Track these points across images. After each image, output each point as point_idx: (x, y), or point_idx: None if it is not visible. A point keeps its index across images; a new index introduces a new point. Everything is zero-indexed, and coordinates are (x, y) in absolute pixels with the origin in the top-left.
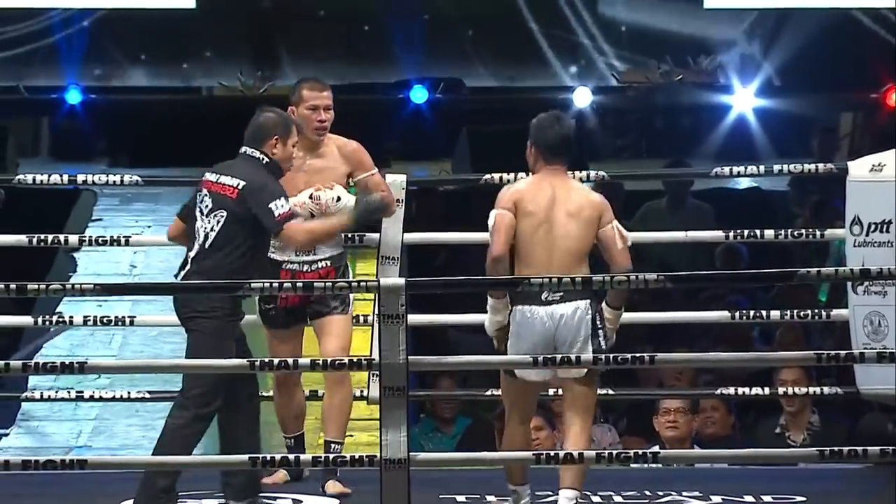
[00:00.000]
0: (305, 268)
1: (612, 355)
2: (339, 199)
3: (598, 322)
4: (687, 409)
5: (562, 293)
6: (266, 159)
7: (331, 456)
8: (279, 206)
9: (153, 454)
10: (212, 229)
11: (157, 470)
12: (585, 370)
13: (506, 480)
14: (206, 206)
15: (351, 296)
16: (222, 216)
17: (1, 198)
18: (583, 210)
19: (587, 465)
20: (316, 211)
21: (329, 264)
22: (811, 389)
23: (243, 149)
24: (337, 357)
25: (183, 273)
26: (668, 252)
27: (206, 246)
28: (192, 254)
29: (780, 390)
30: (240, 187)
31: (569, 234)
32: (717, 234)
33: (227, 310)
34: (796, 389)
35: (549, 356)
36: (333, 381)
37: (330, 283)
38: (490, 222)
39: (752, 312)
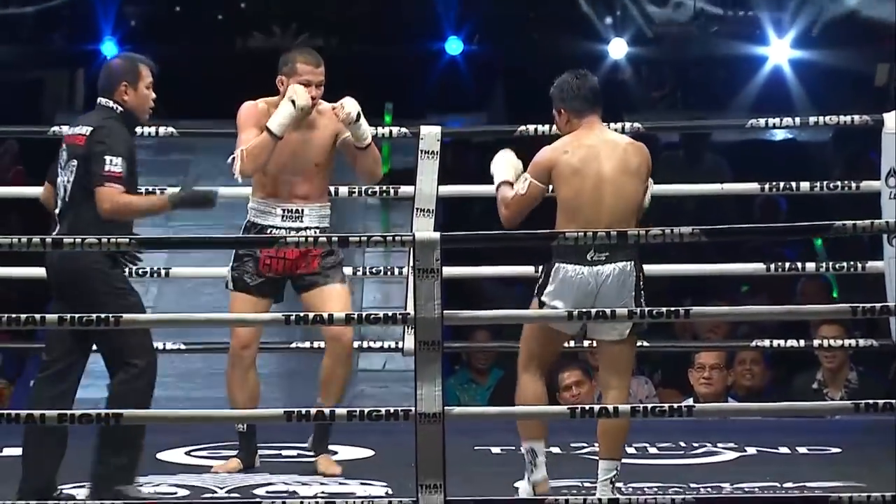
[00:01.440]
0: (292, 234)
1: (647, 309)
2: (358, 116)
3: (641, 284)
4: (722, 365)
5: (608, 253)
6: (120, 108)
7: (366, 410)
8: (113, 164)
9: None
10: (68, 181)
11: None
12: (627, 331)
13: (520, 437)
14: (63, 160)
15: (344, 269)
16: (74, 165)
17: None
18: (636, 166)
19: (624, 429)
20: (343, 121)
21: (317, 233)
22: (847, 342)
23: (98, 98)
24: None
25: (54, 234)
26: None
27: (66, 199)
28: (56, 211)
29: (816, 343)
30: (87, 133)
31: (620, 191)
32: (753, 187)
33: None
34: (832, 342)
35: (584, 310)
36: (342, 354)
37: (366, 238)
38: (521, 184)
39: (787, 265)
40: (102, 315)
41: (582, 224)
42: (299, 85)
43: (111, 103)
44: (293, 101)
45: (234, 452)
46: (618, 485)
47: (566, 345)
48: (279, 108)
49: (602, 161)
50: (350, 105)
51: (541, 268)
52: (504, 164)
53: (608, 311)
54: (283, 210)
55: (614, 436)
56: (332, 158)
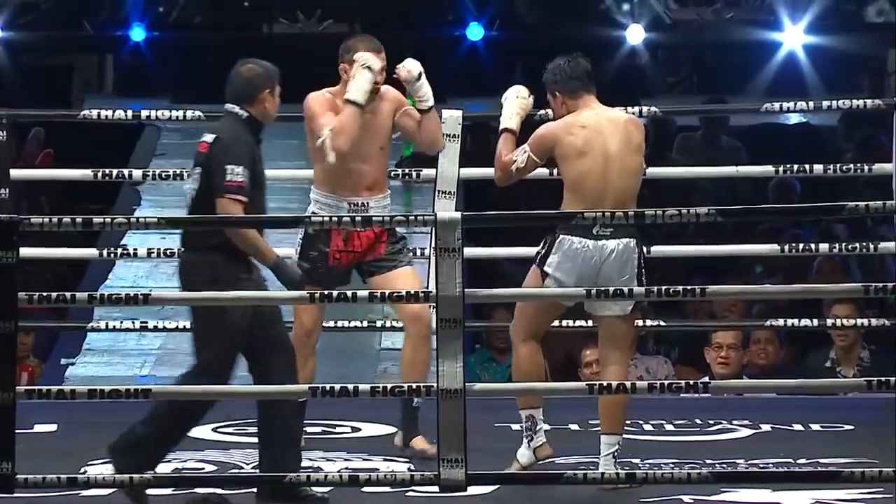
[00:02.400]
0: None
1: (663, 287)
2: (419, 76)
3: (641, 262)
4: (738, 345)
5: (613, 228)
6: (245, 114)
7: (389, 385)
8: (234, 173)
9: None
10: (193, 189)
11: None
12: (630, 308)
13: (519, 406)
14: (192, 167)
15: (410, 251)
16: (198, 173)
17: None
18: (638, 141)
19: (623, 405)
20: (405, 80)
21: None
22: (860, 321)
23: (227, 105)
24: (413, 307)
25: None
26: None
27: (190, 207)
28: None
29: (829, 322)
30: (210, 141)
31: (624, 168)
32: (768, 169)
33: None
34: (846, 322)
35: (602, 288)
36: (423, 335)
37: (388, 218)
38: (519, 155)
39: (801, 245)
40: (131, 294)
41: (589, 201)
42: (366, 52)
43: (237, 109)
44: (368, 67)
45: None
46: (619, 459)
47: (587, 323)
48: (356, 78)
49: (607, 139)
50: (412, 64)
51: (544, 239)
52: (513, 105)
53: (625, 289)
54: (350, 204)
55: (614, 411)
56: (391, 142)
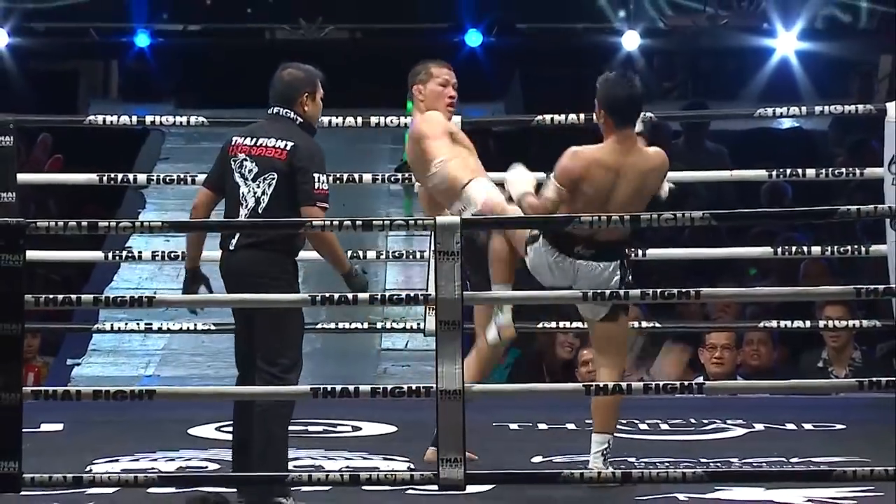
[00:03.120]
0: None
1: (658, 290)
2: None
3: (625, 282)
4: (732, 345)
5: (593, 251)
6: (300, 119)
7: (389, 386)
8: (321, 181)
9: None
10: (263, 193)
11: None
12: (602, 313)
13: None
14: (251, 171)
15: None
16: (273, 178)
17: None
18: (652, 186)
19: (614, 405)
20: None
21: None
22: (851, 322)
23: (275, 109)
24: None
25: (234, 242)
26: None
27: (259, 210)
28: (240, 220)
29: (822, 324)
30: (288, 148)
31: (627, 206)
32: (761, 173)
33: (293, 274)
34: (838, 323)
35: (599, 291)
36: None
37: (389, 222)
38: (550, 191)
39: (793, 248)
40: (136, 296)
41: (583, 234)
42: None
43: (292, 114)
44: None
45: None
46: (614, 458)
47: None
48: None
49: (620, 185)
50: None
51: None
52: (521, 177)
53: (622, 292)
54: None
55: (605, 410)
56: None
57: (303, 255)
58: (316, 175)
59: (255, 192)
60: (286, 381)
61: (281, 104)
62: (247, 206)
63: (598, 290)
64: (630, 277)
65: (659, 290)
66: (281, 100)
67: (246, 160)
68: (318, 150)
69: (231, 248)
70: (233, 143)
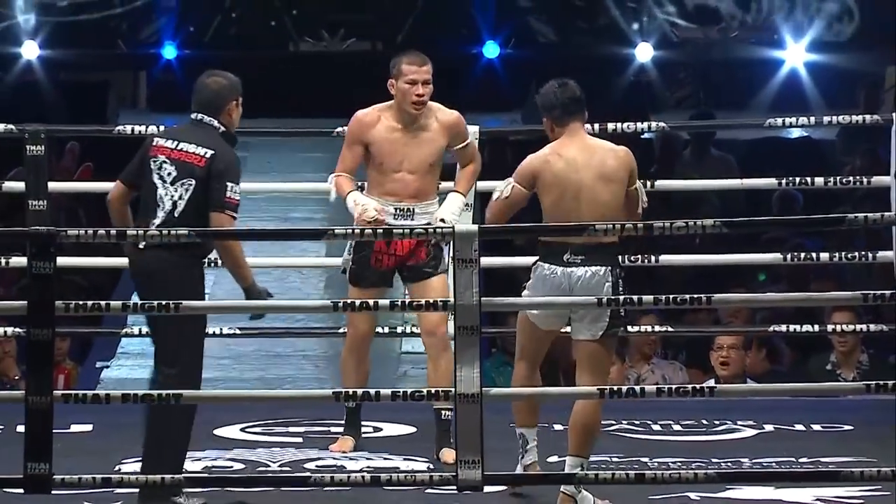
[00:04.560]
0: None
1: (671, 296)
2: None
3: (619, 289)
4: (739, 346)
5: (583, 257)
6: (222, 128)
7: (409, 390)
8: (234, 191)
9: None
10: (180, 198)
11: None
12: (600, 333)
13: (515, 422)
14: (170, 175)
15: (446, 256)
16: (191, 184)
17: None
18: (613, 171)
19: (591, 429)
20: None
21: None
22: (858, 327)
23: (199, 115)
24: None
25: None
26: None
27: (176, 214)
28: (156, 221)
29: (830, 328)
30: (208, 156)
31: (596, 199)
32: (771, 182)
33: (200, 276)
34: (845, 328)
35: (610, 297)
36: (439, 348)
37: (408, 230)
38: (504, 188)
39: (802, 255)
40: (164, 301)
41: (567, 239)
42: (371, 206)
43: (216, 122)
44: (360, 212)
45: (290, 429)
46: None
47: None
48: (352, 207)
49: (580, 170)
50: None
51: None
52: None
53: (634, 298)
54: (396, 209)
55: (580, 434)
56: (442, 158)
57: (322, 261)
58: (229, 184)
59: (172, 196)
60: (184, 383)
61: (206, 111)
62: (164, 208)
63: (607, 297)
64: (622, 285)
65: (671, 296)
66: (207, 107)
67: (166, 163)
68: (235, 160)
69: (140, 246)
70: (154, 143)
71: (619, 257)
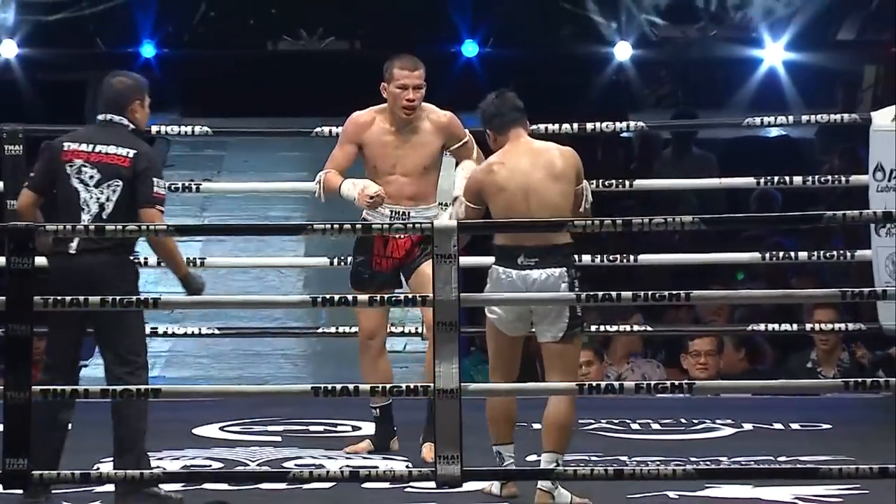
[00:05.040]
0: (399, 235)
1: (650, 292)
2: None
3: (575, 289)
4: (715, 351)
5: (537, 259)
6: (132, 126)
7: (387, 386)
8: (159, 185)
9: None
10: (108, 199)
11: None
12: (560, 334)
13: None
14: (92, 178)
15: None
16: (118, 185)
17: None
18: (561, 171)
19: (565, 427)
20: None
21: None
22: (837, 326)
23: (107, 116)
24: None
25: (74, 246)
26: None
27: (104, 216)
28: (84, 225)
29: (809, 326)
30: (131, 156)
31: (545, 200)
32: (749, 181)
33: (135, 275)
34: (824, 326)
35: (592, 294)
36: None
37: (387, 226)
38: (458, 208)
39: (781, 253)
40: (141, 298)
41: (513, 235)
42: (373, 187)
43: (125, 120)
44: (357, 195)
45: (268, 428)
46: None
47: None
48: (351, 189)
49: (526, 172)
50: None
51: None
52: (462, 178)
53: (613, 294)
54: (392, 211)
55: (553, 430)
56: (439, 161)
57: (302, 261)
58: (155, 180)
59: (97, 199)
60: (139, 379)
61: (113, 111)
62: (89, 211)
63: (590, 294)
64: (577, 286)
65: (650, 293)
66: (113, 107)
67: (85, 166)
68: (156, 156)
69: (72, 251)
70: (65, 148)
71: (574, 257)
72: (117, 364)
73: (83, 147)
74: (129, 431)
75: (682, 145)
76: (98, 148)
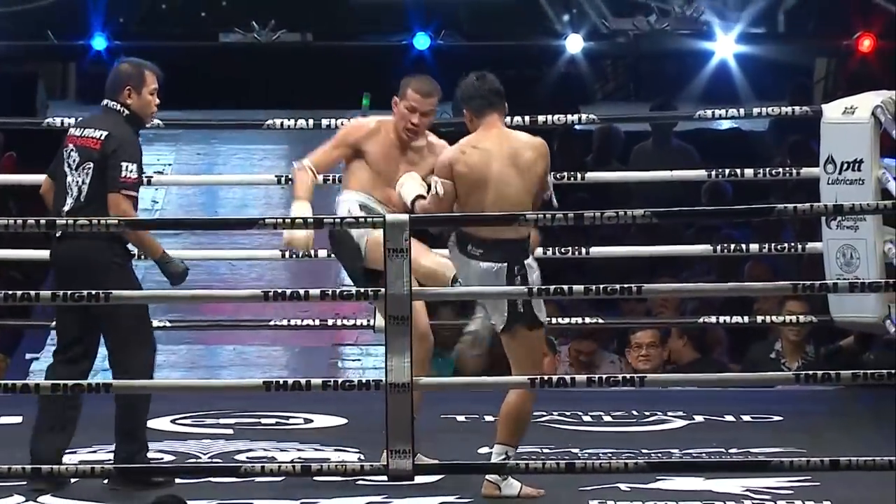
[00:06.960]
0: None
1: (602, 286)
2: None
3: (516, 284)
4: (657, 343)
5: (482, 251)
6: (126, 111)
7: (339, 380)
8: (129, 170)
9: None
10: (84, 182)
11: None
12: (500, 327)
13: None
14: (74, 161)
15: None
16: (90, 168)
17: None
18: (530, 163)
19: (519, 419)
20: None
21: None
22: (787, 318)
23: (105, 101)
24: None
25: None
26: (656, 190)
27: (82, 199)
28: (66, 208)
29: (759, 319)
30: (102, 138)
31: (507, 194)
32: (700, 174)
33: (124, 257)
34: (774, 318)
35: (543, 287)
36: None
37: (339, 219)
38: (437, 186)
39: (732, 245)
40: (94, 291)
41: (470, 231)
42: (302, 243)
43: (117, 106)
44: (288, 238)
45: (220, 421)
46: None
47: (583, 320)
48: (300, 207)
49: (493, 161)
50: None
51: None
52: (411, 182)
53: (565, 288)
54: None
55: (506, 422)
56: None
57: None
58: (124, 164)
59: (77, 182)
60: (139, 361)
61: (108, 97)
62: (72, 195)
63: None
64: (520, 281)
65: (602, 286)
66: (108, 92)
67: (73, 150)
68: (132, 140)
69: (57, 235)
70: (68, 133)
71: (526, 252)
72: (118, 349)
73: (76, 132)
74: (129, 417)
75: (662, 137)
76: (85, 132)
